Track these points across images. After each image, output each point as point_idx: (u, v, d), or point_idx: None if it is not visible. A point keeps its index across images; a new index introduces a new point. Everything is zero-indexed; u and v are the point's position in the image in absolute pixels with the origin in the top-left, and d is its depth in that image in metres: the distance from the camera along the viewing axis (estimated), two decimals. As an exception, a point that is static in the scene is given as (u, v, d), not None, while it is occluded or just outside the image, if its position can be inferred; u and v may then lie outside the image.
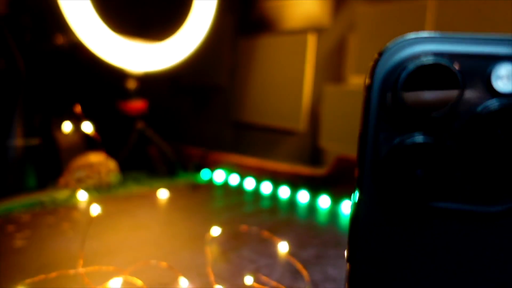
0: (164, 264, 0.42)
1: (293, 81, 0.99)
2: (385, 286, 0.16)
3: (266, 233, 0.54)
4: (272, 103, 1.03)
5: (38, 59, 0.84)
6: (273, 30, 1.03)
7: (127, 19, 1.22)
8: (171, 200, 0.70)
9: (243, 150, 1.06)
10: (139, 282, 0.38)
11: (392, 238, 0.16)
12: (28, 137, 0.68)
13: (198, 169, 0.96)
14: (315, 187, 0.79)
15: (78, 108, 0.83)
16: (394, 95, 0.14)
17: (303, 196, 0.78)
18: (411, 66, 0.14)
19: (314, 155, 0.96)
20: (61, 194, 0.66)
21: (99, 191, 0.72)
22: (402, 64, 0.14)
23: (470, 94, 0.14)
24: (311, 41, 0.97)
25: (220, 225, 0.57)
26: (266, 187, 0.85)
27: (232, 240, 0.51)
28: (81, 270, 0.39)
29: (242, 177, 0.90)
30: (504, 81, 0.14)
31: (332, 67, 0.94)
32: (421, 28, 0.81)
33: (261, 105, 1.05)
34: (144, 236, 0.52)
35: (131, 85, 0.88)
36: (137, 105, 0.89)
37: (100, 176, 0.73)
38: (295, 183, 0.81)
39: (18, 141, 0.66)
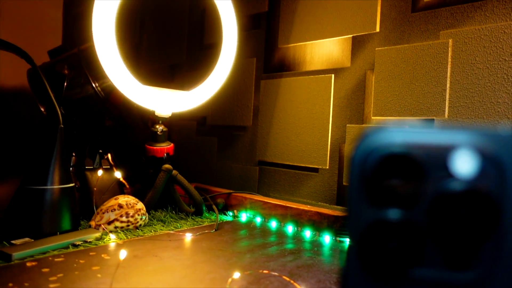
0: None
1: (316, 120, 1.02)
2: None
3: (286, 278, 0.55)
4: (296, 143, 1.05)
5: (74, 104, 0.92)
6: (296, 71, 1.07)
7: (155, 70, 1.31)
8: (195, 241, 0.72)
9: (267, 190, 1.08)
10: (161, 327, 0.40)
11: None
12: (64, 181, 0.73)
13: (223, 209, 0.98)
14: (339, 229, 0.79)
15: (109, 154, 0.89)
16: (368, 180, 0.16)
17: (327, 238, 0.78)
18: (382, 154, 0.16)
19: (339, 195, 0.96)
20: (92, 236, 0.70)
21: (127, 232, 0.76)
22: (374, 153, 0.16)
23: (434, 178, 0.16)
24: (334, 80, 1.00)
25: (241, 268, 0.58)
26: (290, 228, 0.85)
27: (253, 286, 0.52)
28: (108, 314, 0.42)
29: (266, 217, 0.91)
30: (461, 166, 0.16)
31: (355, 106, 0.95)
32: (442, 66, 0.82)
33: (285, 145, 1.07)
34: (168, 280, 0.53)
35: (159, 128, 0.93)
36: (164, 147, 0.93)
37: (129, 218, 0.77)
38: (319, 224, 0.82)
39: (55, 185, 0.71)
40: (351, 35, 0.97)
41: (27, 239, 0.66)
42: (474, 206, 0.16)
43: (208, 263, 0.61)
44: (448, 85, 0.83)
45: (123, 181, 0.93)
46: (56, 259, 0.59)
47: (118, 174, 0.91)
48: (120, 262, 0.59)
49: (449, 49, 0.83)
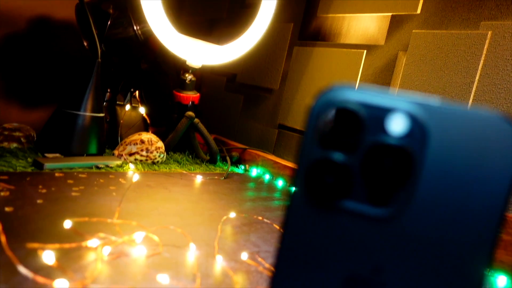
0: (180, 230, 0.50)
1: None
2: (304, 261, 0.22)
3: (276, 226, 0.60)
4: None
5: (115, 43, 0.98)
6: (330, 42, 1.08)
7: (195, 22, 1.34)
8: (204, 183, 0.79)
9: (282, 153, 1.12)
10: (156, 239, 0.46)
11: (312, 226, 0.22)
12: (96, 110, 0.80)
13: (236, 162, 1.04)
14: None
15: (138, 92, 0.95)
16: (320, 127, 0.20)
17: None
18: (333, 107, 0.20)
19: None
20: (114, 162, 0.78)
21: (145, 165, 0.83)
22: (328, 106, 0.20)
23: (372, 132, 0.20)
24: (366, 56, 1.01)
25: (238, 212, 0.64)
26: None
27: (245, 226, 0.58)
28: (115, 220, 0.49)
29: (275, 176, 0.96)
30: (395, 126, 0.20)
31: (380, 85, 0.96)
32: (475, 57, 0.81)
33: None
34: (172, 208, 0.60)
35: (188, 77, 0.98)
36: (190, 95, 0.99)
37: (148, 153, 0.84)
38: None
39: (87, 112, 0.79)
40: (390, 13, 0.96)
41: (58, 154, 0.75)
42: (396, 158, 0.20)
43: (210, 202, 0.67)
44: (477, 77, 0.82)
45: (146, 117, 1.00)
46: (80, 175, 0.68)
47: (142, 110, 0.98)
48: (134, 187, 0.67)
49: (487, 41, 0.81)
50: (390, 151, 0.20)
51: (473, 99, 0.82)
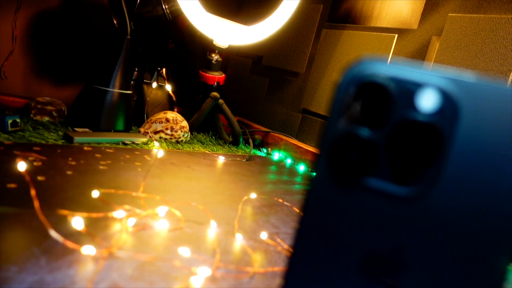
0: (201, 207, 0.51)
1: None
2: (325, 236, 0.22)
3: (296, 209, 0.60)
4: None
5: (143, 22, 0.98)
6: (360, 24, 1.05)
7: (225, 2, 1.32)
8: (226, 164, 0.80)
9: (305, 137, 1.11)
10: (179, 214, 0.48)
11: (334, 202, 0.22)
12: (124, 87, 0.82)
13: (259, 145, 1.05)
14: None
15: (165, 70, 0.96)
16: (347, 102, 0.20)
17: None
18: (361, 82, 0.19)
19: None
20: (140, 139, 0.79)
21: (169, 143, 0.85)
22: (355, 80, 0.20)
23: (400, 107, 0.19)
24: (397, 41, 0.98)
25: (259, 193, 0.64)
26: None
27: (265, 208, 0.59)
28: (140, 194, 0.50)
29: (297, 160, 0.96)
30: (425, 102, 0.19)
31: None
32: (509, 42, 0.77)
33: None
34: (194, 186, 0.61)
35: (215, 57, 0.98)
36: (216, 76, 0.99)
37: (173, 132, 0.85)
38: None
39: (115, 88, 0.80)
40: (425, -4, 0.92)
41: (87, 129, 0.77)
42: (425, 135, 0.19)
43: (231, 183, 0.68)
44: None
45: (172, 95, 1.01)
46: (107, 150, 0.70)
47: (168, 87, 0.99)
48: (158, 164, 0.68)
49: (527, 27, 0.77)
50: (419, 128, 0.19)
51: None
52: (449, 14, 0.87)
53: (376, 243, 0.21)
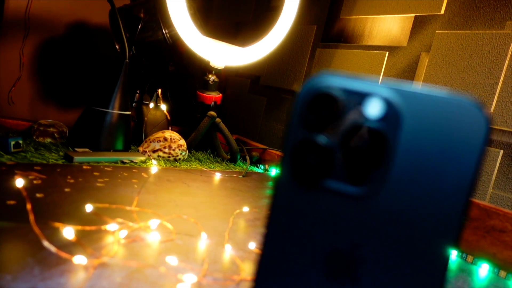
0: (193, 220, 0.53)
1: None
2: (290, 238, 0.24)
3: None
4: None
5: (145, 46, 1.03)
6: (352, 43, 1.08)
7: (222, 25, 1.37)
8: (222, 180, 0.81)
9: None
10: (170, 226, 0.49)
11: (297, 204, 0.23)
12: (123, 108, 0.85)
13: (256, 162, 1.06)
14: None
15: (161, 90, 1.00)
16: (305, 110, 0.22)
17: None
18: (317, 93, 0.22)
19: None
20: (138, 158, 0.82)
21: (167, 161, 0.87)
22: (312, 91, 0.22)
23: (351, 115, 0.22)
24: (388, 58, 1.00)
25: (252, 207, 0.66)
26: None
27: (257, 220, 0.60)
28: (133, 208, 0.52)
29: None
30: (372, 110, 0.21)
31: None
32: (501, 57, 0.80)
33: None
34: (188, 200, 0.63)
35: (211, 78, 1.01)
36: (213, 96, 1.02)
37: (170, 150, 0.88)
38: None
39: (115, 110, 0.83)
40: (414, 14, 0.96)
41: (87, 149, 0.80)
42: (372, 140, 0.21)
43: (226, 197, 0.69)
44: (502, 78, 0.80)
45: (167, 114, 1.04)
46: (106, 168, 0.72)
47: (163, 107, 1.02)
48: (155, 180, 0.70)
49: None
50: (366, 133, 0.21)
51: (497, 100, 0.81)
52: (437, 31, 0.90)
53: (337, 240, 0.23)
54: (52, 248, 0.38)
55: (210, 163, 0.95)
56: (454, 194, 0.20)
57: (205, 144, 1.03)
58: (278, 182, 0.24)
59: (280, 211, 0.24)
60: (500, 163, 0.78)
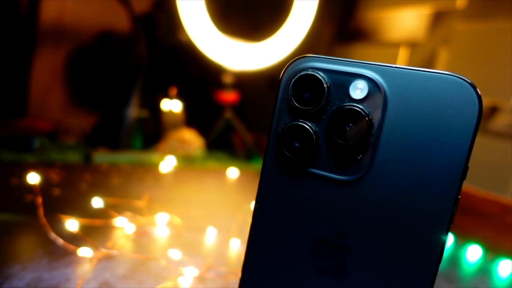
0: (203, 215, 0.53)
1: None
2: (277, 225, 0.23)
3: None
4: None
5: (165, 50, 1.05)
6: (369, 41, 1.06)
7: (233, 20, 1.38)
8: (238, 179, 0.82)
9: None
10: (179, 221, 0.50)
11: (283, 191, 0.23)
12: (141, 110, 0.87)
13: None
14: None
15: (173, 91, 1.01)
16: (288, 96, 0.22)
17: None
18: (300, 76, 0.21)
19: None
20: (156, 157, 0.83)
21: (185, 160, 0.88)
22: (293, 75, 0.22)
23: (335, 98, 0.21)
24: (403, 54, 0.98)
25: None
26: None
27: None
28: (143, 202, 0.53)
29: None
30: (356, 91, 0.21)
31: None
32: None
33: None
34: (200, 197, 0.64)
35: (228, 78, 1.02)
36: (229, 96, 1.03)
37: (188, 149, 0.89)
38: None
39: (133, 111, 0.86)
40: (431, 9, 0.93)
41: (107, 149, 0.82)
42: (357, 122, 0.21)
43: (240, 194, 0.70)
44: None
45: (183, 114, 1.04)
46: (124, 167, 0.74)
47: (179, 105, 1.02)
48: (169, 179, 0.71)
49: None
50: (351, 115, 0.21)
51: (522, 94, 0.77)
52: (455, 26, 0.87)
53: (323, 229, 0.22)
54: (61, 241, 0.39)
55: (226, 161, 0.95)
56: (445, 177, 0.19)
57: (221, 143, 1.04)
58: (263, 169, 0.24)
59: (266, 199, 0.24)
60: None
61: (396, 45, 1.00)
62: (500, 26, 0.80)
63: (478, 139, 0.91)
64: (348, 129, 0.21)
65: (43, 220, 0.40)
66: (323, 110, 0.21)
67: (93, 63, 1.08)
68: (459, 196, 0.19)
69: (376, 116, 0.20)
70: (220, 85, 1.04)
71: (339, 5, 1.14)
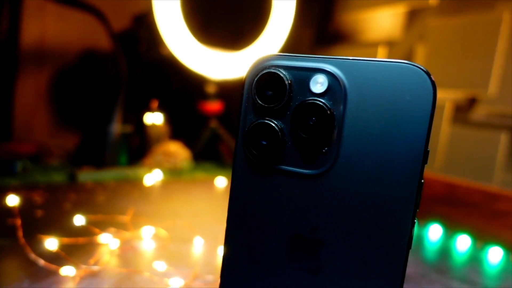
0: (189, 225, 0.53)
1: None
2: (251, 223, 0.23)
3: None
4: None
5: (148, 65, 1.05)
6: (348, 42, 1.08)
7: (213, 31, 1.39)
8: (227, 188, 0.81)
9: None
10: (165, 233, 0.49)
11: (254, 189, 0.23)
12: (124, 125, 0.87)
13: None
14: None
15: (154, 103, 1.01)
16: (252, 94, 0.22)
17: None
18: (259, 75, 0.22)
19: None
20: (141, 172, 0.83)
21: (172, 173, 0.88)
22: (255, 74, 0.22)
23: (297, 93, 0.21)
24: (382, 53, 0.99)
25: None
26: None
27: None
28: (127, 217, 0.53)
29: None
30: (317, 85, 0.21)
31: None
32: (493, 40, 0.78)
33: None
34: (188, 208, 0.63)
35: (211, 88, 1.02)
36: (213, 106, 1.03)
37: (174, 161, 0.89)
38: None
39: (116, 127, 0.85)
40: (406, 8, 0.95)
41: (91, 167, 0.81)
42: (319, 116, 0.21)
43: (227, 203, 0.69)
44: (495, 60, 0.78)
45: (167, 127, 1.04)
46: (109, 184, 0.73)
47: (161, 117, 1.02)
48: (156, 191, 0.71)
49: (502, 22, 0.77)
50: (313, 109, 0.21)
51: (495, 82, 0.78)
52: (429, 22, 0.89)
53: (295, 224, 0.22)
54: (42, 262, 0.38)
55: (213, 171, 0.95)
56: (408, 163, 0.19)
57: (207, 153, 1.04)
58: (234, 169, 0.24)
59: (238, 199, 0.24)
60: (502, 147, 0.75)
61: (374, 44, 1.02)
62: (472, 19, 0.82)
63: (461, 130, 0.92)
64: (311, 123, 0.21)
65: (23, 241, 0.40)
66: (287, 106, 0.22)
67: (76, 82, 1.07)
68: (422, 181, 0.19)
69: (338, 109, 0.21)
70: (204, 96, 1.04)
71: (316, 10, 1.16)
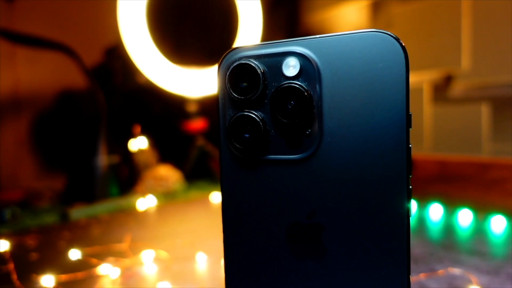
0: (189, 242, 0.52)
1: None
2: (241, 205, 0.23)
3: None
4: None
5: (125, 94, 1.04)
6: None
7: (186, 51, 1.39)
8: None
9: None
10: (165, 254, 0.48)
11: (244, 183, 0.23)
12: (110, 157, 0.85)
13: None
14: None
15: (137, 128, 1.00)
16: (227, 89, 0.22)
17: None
18: (231, 68, 0.21)
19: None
20: (134, 200, 0.81)
21: (165, 197, 0.86)
22: (226, 68, 0.22)
23: (271, 80, 0.21)
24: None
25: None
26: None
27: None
28: (125, 245, 0.51)
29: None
30: (290, 69, 0.21)
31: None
32: (457, 17, 0.80)
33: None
34: (185, 227, 0.62)
35: (192, 107, 1.02)
36: (197, 124, 1.02)
37: (166, 185, 0.87)
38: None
39: (102, 160, 0.84)
40: (369, 0, 0.97)
41: (83, 203, 0.80)
42: (297, 99, 0.21)
43: (226, 217, 0.68)
44: (462, 37, 0.80)
45: (155, 151, 1.03)
46: (103, 217, 0.71)
47: (145, 141, 1.00)
48: (151, 216, 0.69)
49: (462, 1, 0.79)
50: (290, 93, 0.21)
51: (467, 58, 0.80)
52: (394, 10, 0.91)
53: (292, 212, 0.22)
54: (42, 301, 0.37)
55: (207, 189, 0.94)
56: (392, 129, 0.19)
57: (199, 172, 1.03)
58: (221, 168, 0.23)
59: (230, 196, 0.23)
60: (483, 118, 0.77)
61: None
62: (434, 1, 0.84)
63: (442, 109, 0.93)
64: (290, 107, 0.21)
65: (18, 284, 0.38)
66: (263, 94, 0.21)
67: (56, 123, 1.06)
68: (410, 145, 0.19)
69: (314, 88, 0.20)
70: (186, 115, 1.03)
71: (284, 14, 1.18)
